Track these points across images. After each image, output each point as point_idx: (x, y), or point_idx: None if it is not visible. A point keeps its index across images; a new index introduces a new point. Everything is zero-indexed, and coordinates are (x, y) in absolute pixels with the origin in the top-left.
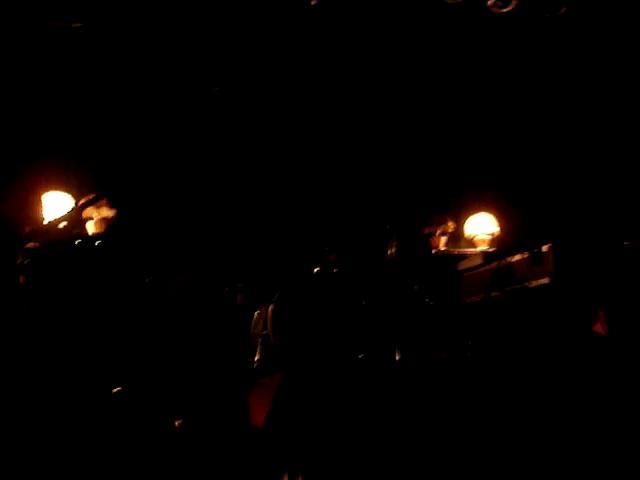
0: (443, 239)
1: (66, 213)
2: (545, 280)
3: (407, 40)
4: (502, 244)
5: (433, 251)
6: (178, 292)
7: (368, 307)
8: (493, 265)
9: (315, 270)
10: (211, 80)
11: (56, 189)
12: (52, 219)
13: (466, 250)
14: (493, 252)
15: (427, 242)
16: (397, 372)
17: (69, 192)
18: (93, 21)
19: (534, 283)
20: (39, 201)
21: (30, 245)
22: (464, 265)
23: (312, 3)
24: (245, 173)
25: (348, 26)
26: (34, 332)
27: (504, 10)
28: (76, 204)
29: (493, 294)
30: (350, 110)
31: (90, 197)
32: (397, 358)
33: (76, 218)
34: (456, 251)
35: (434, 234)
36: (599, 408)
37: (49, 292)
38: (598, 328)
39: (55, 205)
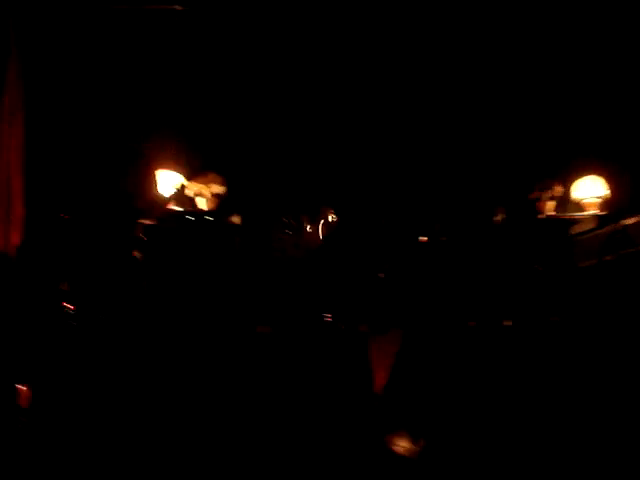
0: (550, 203)
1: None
2: None
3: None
4: (616, 207)
5: (541, 216)
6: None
7: (477, 275)
8: (607, 229)
9: (423, 239)
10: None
11: (168, 168)
12: (165, 196)
13: (574, 214)
14: (606, 215)
15: (534, 207)
16: (506, 339)
17: (180, 171)
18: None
19: None
20: (154, 178)
21: (147, 221)
22: (577, 229)
23: None
24: (355, 142)
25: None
26: (151, 301)
27: None
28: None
29: (607, 258)
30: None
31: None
32: (507, 324)
33: (184, 195)
34: (564, 215)
35: (541, 199)
36: None
37: (164, 265)
38: None
39: (167, 182)
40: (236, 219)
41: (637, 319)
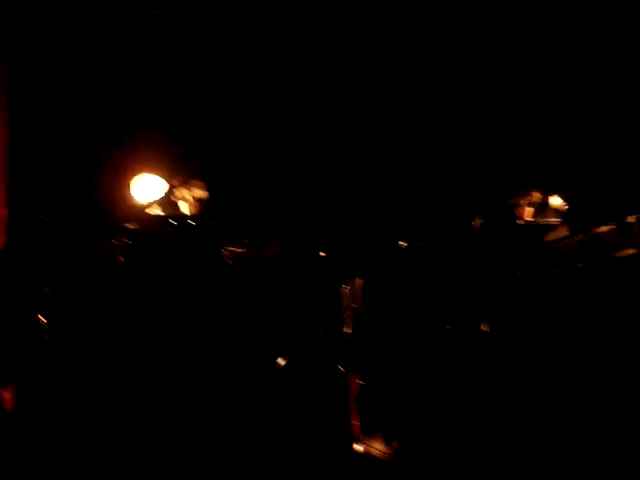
0: (529, 210)
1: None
2: (632, 251)
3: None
4: (589, 215)
5: (519, 221)
6: (274, 258)
7: (455, 279)
8: (580, 236)
9: (402, 244)
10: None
11: (148, 172)
12: (147, 202)
13: (553, 220)
14: (580, 223)
15: (513, 212)
16: (484, 343)
17: (160, 174)
18: (174, 9)
19: (621, 254)
20: (131, 183)
21: (130, 226)
22: (551, 237)
23: None
24: (335, 148)
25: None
26: (133, 305)
27: None
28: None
29: (580, 265)
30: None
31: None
32: (484, 329)
33: (167, 199)
34: (542, 221)
35: (520, 204)
36: None
37: (146, 269)
38: None
39: (147, 187)
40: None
41: (608, 326)
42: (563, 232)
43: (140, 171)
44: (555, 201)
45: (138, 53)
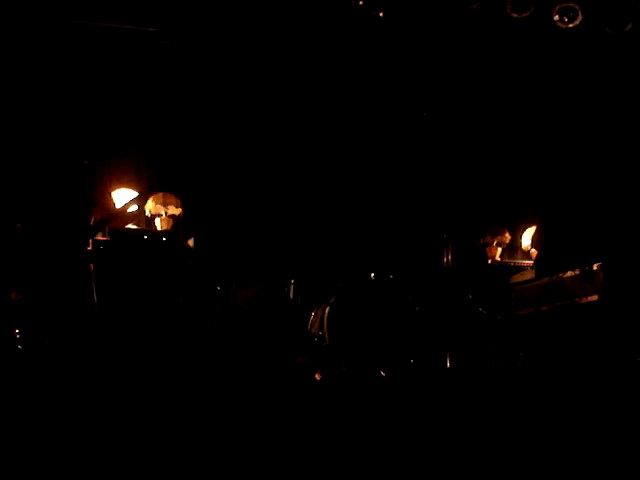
0: (499, 250)
1: (131, 201)
2: (594, 297)
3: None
4: (555, 261)
5: (489, 261)
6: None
7: (422, 313)
8: (545, 280)
9: (372, 275)
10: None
11: (125, 186)
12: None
13: (522, 262)
14: (545, 267)
15: (483, 252)
16: (447, 378)
17: (137, 189)
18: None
19: (584, 300)
20: (109, 197)
21: (100, 237)
22: (517, 279)
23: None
24: (307, 180)
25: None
26: (102, 316)
27: (570, 25)
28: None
29: (544, 308)
30: (408, 122)
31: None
32: (448, 364)
33: (140, 211)
34: (512, 262)
35: (490, 244)
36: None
37: (117, 282)
38: None
39: (123, 200)
40: (191, 242)
41: (570, 369)
42: (529, 275)
43: (117, 184)
44: (525, 242)
45: (118, 69)
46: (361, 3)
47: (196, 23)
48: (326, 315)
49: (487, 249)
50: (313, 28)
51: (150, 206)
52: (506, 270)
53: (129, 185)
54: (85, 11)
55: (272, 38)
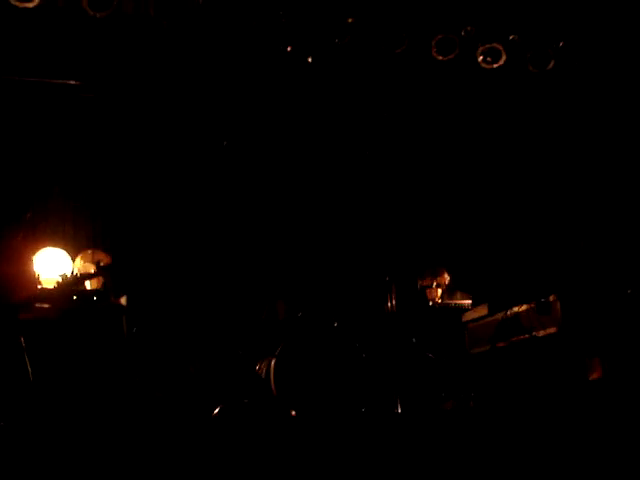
0: (439, 291)
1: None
2: (553, 329)
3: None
4: (508, 295)
5: (430, 303)
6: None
7: (369, 360)
8: (499, 316)
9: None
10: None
11: (50, 245)
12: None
13: (462, 302)
14: (498, 303)
15: (424, 294)
16: (399, 425)
17: (63, 247)
18: (87, 79)
19: (542, 333)
20: (32, 259)
21: (25, 316)
22: (469, 316)
23: None
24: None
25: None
26: (38, 390)
27: (495, 65)
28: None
29: (500, 345)
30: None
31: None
32: (398, 411)
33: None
34: (452, 303)
35: (430, 286)
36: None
37: (50, 349)
38: (595, 375)
39: (50, 261)
40: (123, 300)
41: (530, 404)
42: (481, 312)
43: (43, 245)
44: (463, 282)
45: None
46: (289, 49)
47: (118, 76)
48: (272, 368)
49: (427, 291)
50: (242, 75)
51: (79, 264)
52: (453, 311)
53: (53, 243)
54: (10, 66)
55: (195, 87)
